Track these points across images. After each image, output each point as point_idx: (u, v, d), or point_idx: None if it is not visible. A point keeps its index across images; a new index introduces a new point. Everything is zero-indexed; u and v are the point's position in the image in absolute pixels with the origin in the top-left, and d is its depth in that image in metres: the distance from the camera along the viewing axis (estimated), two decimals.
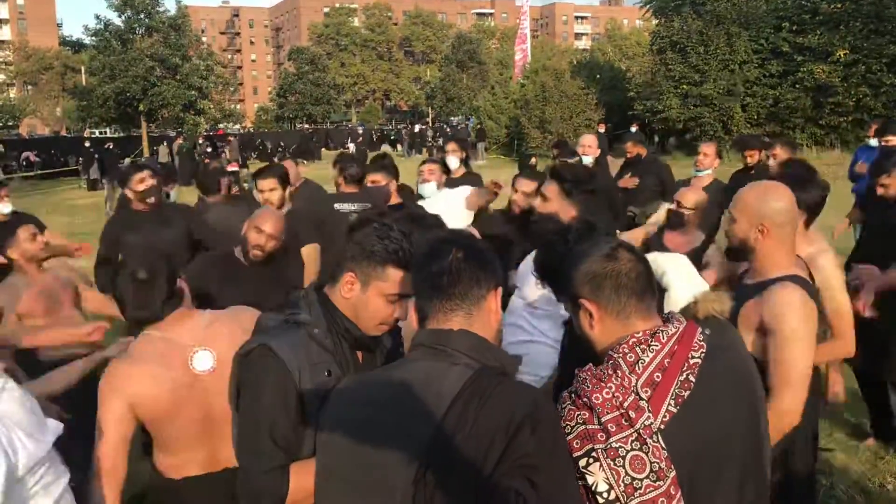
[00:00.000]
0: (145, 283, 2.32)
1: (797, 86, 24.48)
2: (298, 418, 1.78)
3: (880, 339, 4.10)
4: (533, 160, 8.64)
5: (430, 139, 37.85)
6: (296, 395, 1.78)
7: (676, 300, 1.99)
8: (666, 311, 1.97)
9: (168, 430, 2.35)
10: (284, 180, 4.62)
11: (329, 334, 1.86)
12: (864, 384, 4.46)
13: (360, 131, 42.34)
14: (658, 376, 1.53)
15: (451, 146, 6.15)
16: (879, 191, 4.28)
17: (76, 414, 2.51)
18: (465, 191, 4.74)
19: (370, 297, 1.87)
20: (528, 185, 4.12)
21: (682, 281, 2.03)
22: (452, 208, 4.28)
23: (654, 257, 2.14)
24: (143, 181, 4.72)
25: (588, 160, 6.55)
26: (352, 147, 41.60)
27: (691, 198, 3.97)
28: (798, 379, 2.21)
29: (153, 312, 2.33)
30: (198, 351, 2.34)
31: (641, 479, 1.47)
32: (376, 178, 4.87)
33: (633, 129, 20.76)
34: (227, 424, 2.29)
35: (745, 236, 2.40)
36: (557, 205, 2.89)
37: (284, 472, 1.74)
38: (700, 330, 1.64)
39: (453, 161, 6.04)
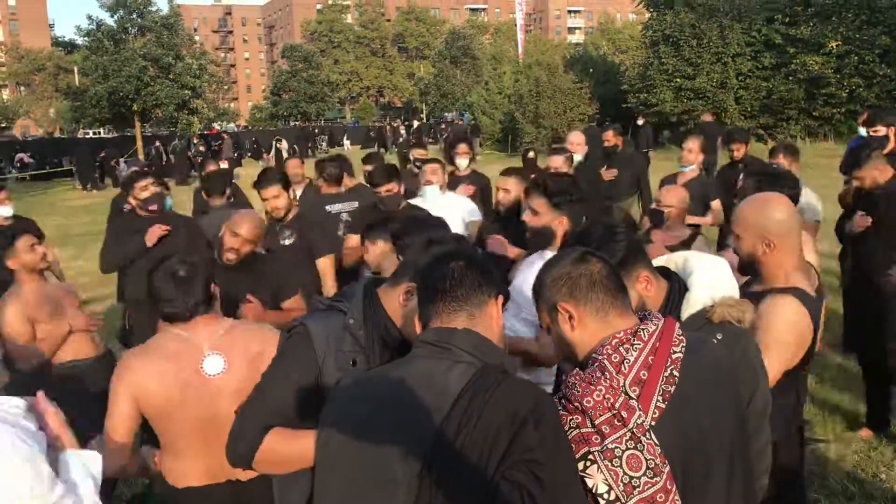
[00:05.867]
0: (184, 281, 2.35)
1: (790, 78, 24.49)
2: (313, 396, 1.82)
3: (889, 339, 4.21)
4: (531, 154, 8.80)
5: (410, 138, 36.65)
6: (315, 373, 1.85)
7: (694, 301, 1.99)
8: (683, 310, 1.99)
9: (172, 429, 2.38)
10: (286, 183, 4.55)
11: (364, 328, 1.90)
12: (868, 376, 4.59)
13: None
14: (644, 374, 1.55)
15: (461, 148, 6.16)
16: (855, 183, 4.47)
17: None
18: (465, 203, 4.79)
19: None
20: (510, 184, 4.17)
21: (705, 283, 2.01)
22: (454, 213, 4.25)
23: (686, 256, 2.15)
24: (146, 189, 4.75)
25: (578, 158, 6.61)
26: (347, 144, 41.52)
27: (671, 196, 4.09)
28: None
29: (187, 309, 2.36)
30: (210, 355, 2.38)
31: (639, 477, 1.50)
32: (390, 187, 4.41)
33: (640, 121, 20.79)
34: None
35: (751, 251, 2.36)
36: (548, 217, 2.92)
37: (265, 430, 1.81)
38: (678, 324, 1.67)
39: (462, 162, 6.12)
